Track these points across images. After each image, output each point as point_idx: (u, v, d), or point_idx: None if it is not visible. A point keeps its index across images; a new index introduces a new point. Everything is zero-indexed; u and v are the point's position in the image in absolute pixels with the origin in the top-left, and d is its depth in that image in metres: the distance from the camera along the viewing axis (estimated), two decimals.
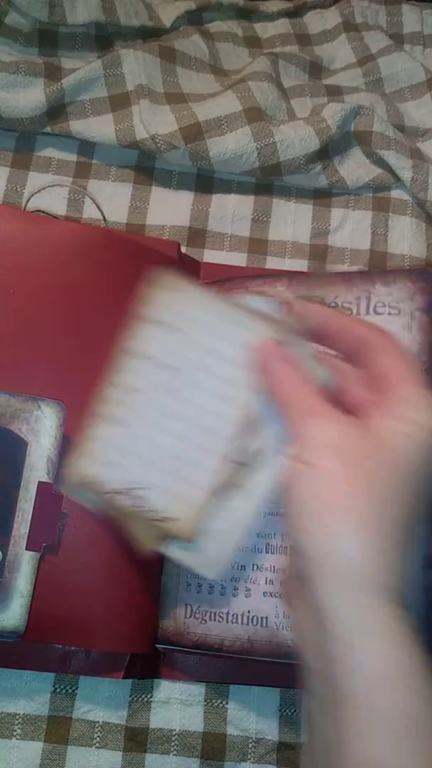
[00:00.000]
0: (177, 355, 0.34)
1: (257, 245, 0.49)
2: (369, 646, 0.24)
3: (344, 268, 0.49)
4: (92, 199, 0.45)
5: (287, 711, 0.39)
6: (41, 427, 0.35)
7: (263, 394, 0.33)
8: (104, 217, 0.44)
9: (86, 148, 0.50)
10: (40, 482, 0.34)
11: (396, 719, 0.24)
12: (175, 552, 0.34)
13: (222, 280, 0.43)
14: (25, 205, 0.41)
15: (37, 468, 0.35)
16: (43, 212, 0.41)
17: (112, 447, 0.34)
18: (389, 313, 0.40)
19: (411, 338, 0.39)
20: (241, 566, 0.37)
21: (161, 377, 0.34)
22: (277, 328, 0.33)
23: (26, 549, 0.34)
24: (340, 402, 0.31)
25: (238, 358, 0.33)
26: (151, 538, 0.34)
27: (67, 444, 0.36)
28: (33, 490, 0.34)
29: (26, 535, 0.34)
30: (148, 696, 0.38)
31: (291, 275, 0.42)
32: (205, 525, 0.33)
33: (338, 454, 0.27)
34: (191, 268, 0.46)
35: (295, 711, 0.39)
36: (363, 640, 0.24)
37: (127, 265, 0.40)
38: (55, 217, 0.41)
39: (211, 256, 0.48)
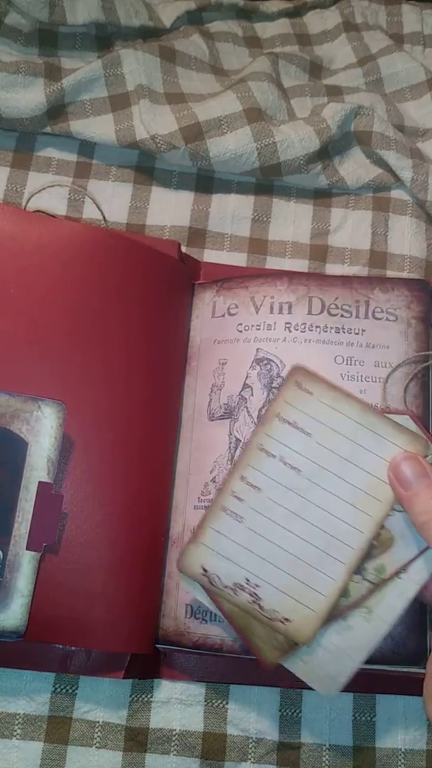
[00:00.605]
0: (307, 458, 0.34)
1: (257, 245, 0.49)
2: None
3: (344, 268, 0.49)
4: (92, 199, 0.45)
5: (287, 711, 0.39)
6: (41, 428, 0.35)
7: (404, 513, 0.32)
8: (104, 218, 0.44)
9: (86, 148, 0.50)
10: (40, 482, 0.34)
11: None
12: (295, 665, 0.33)
13: (222, 279, 0.43)
14: (26, 205, 0.41)
15: (37, 468, 0.35)
16: (43, 212, 0.41)
17: (231, 541, 0.34)
18: (387, 319, 0.41)
19: (407, 345, 0.40)
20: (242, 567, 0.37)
21: (287, 478, 0.34)
22: (418, 443, 0.33)
23: (26, 549, 0.34)
24: None
25: (377, 469, 0.33)
26: (271, 650, 0.33)
27: (67, 444, 0.36)
28: (33, 490, 0.34)
29: (26, 535, 0.34)
30: (149, 696, 0.38)
31: (291, 275, 0.42)
32: (323, 634, 0.33)
33: None
34: (191, 268, 0.46)
35: (295, 711, 0.39)
36: None
37: (128, 265, 0.40)
38: (54, 217, 0.41)
39: (211, 256, 0.48)
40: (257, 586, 0.33)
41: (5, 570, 0.33)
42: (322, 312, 0.41)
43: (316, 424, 0.34)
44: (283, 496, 0.34)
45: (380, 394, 0.38)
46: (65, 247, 0.39)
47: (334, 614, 0.33)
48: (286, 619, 0.33)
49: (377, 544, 0.33)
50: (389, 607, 0.33)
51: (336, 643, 0.33)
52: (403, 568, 0.33)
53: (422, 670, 0.34)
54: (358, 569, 0.33)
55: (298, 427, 0.34)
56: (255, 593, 0.33)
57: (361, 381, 0.39)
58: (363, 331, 0.40)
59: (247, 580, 0.33)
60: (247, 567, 0.33)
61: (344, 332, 0.40)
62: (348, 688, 0.32)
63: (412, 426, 0.34)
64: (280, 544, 0.33)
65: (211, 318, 0.43)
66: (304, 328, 0.41)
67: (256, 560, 0.33)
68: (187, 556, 0.34)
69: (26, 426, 0.35)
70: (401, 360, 0.39)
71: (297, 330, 0.41)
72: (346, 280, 0.42)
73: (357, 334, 0.40)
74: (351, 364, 0.40)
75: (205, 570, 0.34)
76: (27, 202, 0.42)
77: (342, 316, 0.41)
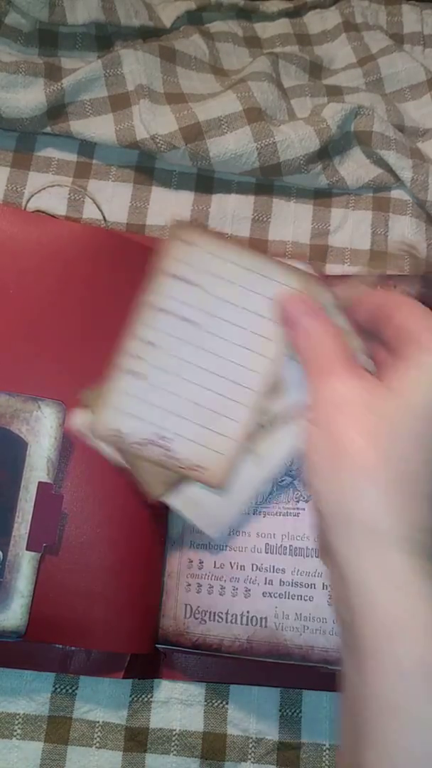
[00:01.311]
0: (198, 309, 0.33)
1: (257, 245, 0.49)
2: (386, 595, 0.25)
3: (344, 268, 0.49)
4: (92, 199, 0.45)
5: (287, 711, 0.39)
6: (41, 428, 0.35)
7: (290, 350, 0.32)
8: (104, 218, 0.44)
9: (86, 148, 0.50)
10: (40, 482, 0.34)
11: (412, 666, 0.24)
12: (178, 502, 0.34)
13: None
14: (26, 205, 0.41)
15: (37, 468, 0.35)
16: (43, 212, 0.41)
17: (136, 399, 0.34)
18: None
19: None
20: (241, 566, 0.37)
21: (181, 331, 0.34)
22: (310, 285, 0.33)
23: (26, 549, 0.34)
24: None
25: (268, 310, 0.33)
26: (159, 484, 0.34)
27: (67, 444, 0.36)
28: (33, 490, 0.34)
29: (26, 535, 0.34)
30: (149, 696, 0.38)
31: None
32: (236, 473, 0.34)
33: (351, 413, 0.27)
34: None
35: (295, 711, 0.39)
36: (380, 590, 0.25)
37: (128, 265, 0.40)
38: (55, 218, 0.41)
39: None
40: (167, 438, 0.34)
41: (5, 570, 0.34)
42: None
43: (203, 275, 0.34)
44: (179, 348, 0.34)
45: None
46: (65, 247, 0.39)
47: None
48: (200, 467, 0.34)
49: (270, 388, 0.34)
50: (277, 451, 0.34)
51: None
52: (291, 414, 0.33)
53: None
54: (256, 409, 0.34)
55: (186, 280, 0.34)
56: (167, 446, 0.34)
57: None
58: None
59: (157, 434, 0.34)
60: (156, 422, 0.34)
61: None
62: None
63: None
64: (183, 395, 0.34)
65: None
66: None
67: (163, 414, 0.34)
68: (99, 421, 0.34)
69: (26, 426, 0.35)
70: None
71: None
72: (345, 280, 0.42)
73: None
74: None
75: (118, 432, 0.34)
76: (27, 202, 0.42)
77: None
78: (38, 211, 0.41)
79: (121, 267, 0.40)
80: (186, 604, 0.38)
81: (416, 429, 0.27)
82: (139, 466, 0.34)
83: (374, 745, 0.23)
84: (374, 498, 0.25)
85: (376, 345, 0.32)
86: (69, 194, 0.49)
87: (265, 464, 0.34)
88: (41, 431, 0.35)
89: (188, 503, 0.34)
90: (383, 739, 0.23)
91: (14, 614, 0.33)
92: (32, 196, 0.42)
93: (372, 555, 0.25)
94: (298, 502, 0.39)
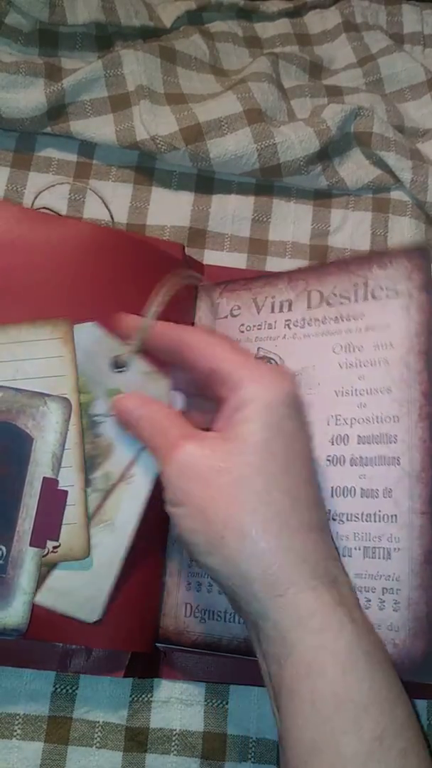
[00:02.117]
0: None
1: (257, 245, 0.49)
2: (302, 642, 0.25)
3: None
4: (101, 197, 0.45)
5: None
6: (47, 423, 0.35)
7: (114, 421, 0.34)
8: (111, 216, 0.44)
9: (86, 148, 0.50)
10: (44, 478, 0.34)
11: (323, 703, 0.25)
12: (53, 601, 0.34)
13: (225, 282, 0.43)
14: (33, 203, 0.41)
15: (42, 464, 0.34)
16: (49, 209, 0.41)
17: None
18: (387, 296, 0.39)
19: (409, 319, 0.38)
20: None
21: None
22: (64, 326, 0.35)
23: (30, 545, 0.34)
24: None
25: (47, 369, 0.35)
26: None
27: None
28: (38, 485, 0.34)
29: (30, 530, 0.34)
30: (149, 696, 0.38)
31: (290, 273, 0.42)
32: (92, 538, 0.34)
33: (203, 482, 0.27)
34: (195, 270, 0.46)
35: None
36: (296, 638, 0.25)
37: (135, 265, 0.39)
38: (60, 216, 0.41)
39: (211, 256, 0.48)
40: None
41: (8, 566, 0.33)
42: (321, 304, 0.40)
43: None
44: None
45: None
46: (73, 246, 0.39)
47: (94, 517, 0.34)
48: (55, 548, 0.34)
49: (97, 453, 0.35)
50: (128, 513, 0.34)
51: (86, 565, 0.34)
52: (130, 472, 0.34)
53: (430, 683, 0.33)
54: (87, 482, 0.34)
55: None
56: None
57: (360, 367, 0.38)
58: (362, 314, 0.39)
59: None
60: None
61: (343, 320, 0.39)
62: None
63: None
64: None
65: (214, 320, 0.43)
66: (304, 323, 0.40)
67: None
68: None
69: (32, 421, 0.35)
70: (402, 336, 0.38)
71: (297, 326, 0.40)
72: (342, 265, 0.41)
73: (356, 319, 0.39)
74: (349, 351, 0.38)
75: None
76: (35, 200, 0.41)
77: (341, 303, 0.40)
78: (44, 208, 0.41)
79: (128, 267, 0.39)
80: (186, 603, 0.38)
81: (266, 469, 0.27)
82: None
83: None
84: (261, 553, 0.26)
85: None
86: (70, 194, 0.49)
87: (119, 530, 0.34)
88: (47, 427, 0.35)
89: (58, 596, 0.34)
90: None
91: (16, 611, 0.33)
92: (39, 194, 0.42)
93: (279, 605, 0.26)
94: None
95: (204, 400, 0.33)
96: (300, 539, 0.27)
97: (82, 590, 0.34)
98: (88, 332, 0.35)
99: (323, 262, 0.48)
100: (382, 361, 0.38)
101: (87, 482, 0.34)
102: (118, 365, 0.35)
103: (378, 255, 0.41)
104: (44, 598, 0.34)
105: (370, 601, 0.34)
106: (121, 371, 0.35)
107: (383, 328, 0.38)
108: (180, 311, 0.42)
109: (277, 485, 0.27)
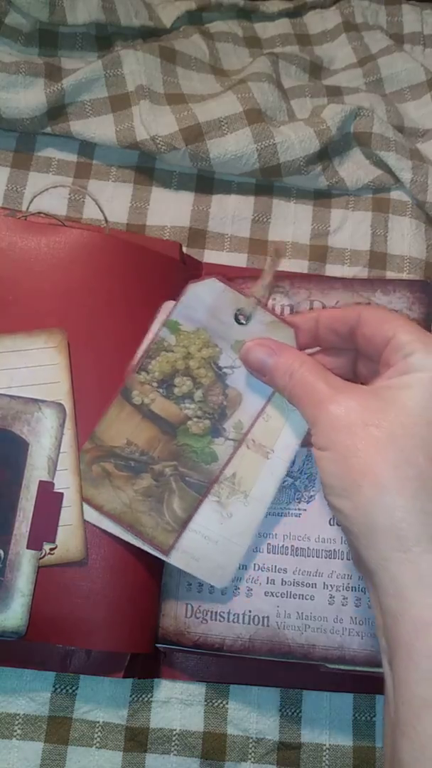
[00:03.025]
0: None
1: (257, 246, 0.49)
2: (419, 597, 0.26)
3: (344, 269, 0.49)
4: (94, 200, 0.45)
5: (287, 711, 0.39)
6: (42, 428, 0.35)
7: (242, 368, 0.35)
8: (105, 218, 0.44)
9: (86, 148, 0.50)
10: (41, 481, 0.35)
11: None
12: (186, 562, 0.35)
13: None
14: (28, 207, 0.41)
15: (38, 467, 0.35)
16: (44, 213, 0.41)
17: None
18: None
19: None
20: (243, 566, 0.38)
21: None
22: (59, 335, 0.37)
23: (27, 548, 0.34)
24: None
25: (46, 376, 0.36)
26: (164, 534, 0.35)
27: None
28: (34, 489, 0.34)
29: (27, 533, 0.34)
30: (149, 696, 0.39)
31: (292, 278, 0.42)
32: (207, 527, 0.35)
33: (353, 434, 0.28)
34: (193, 269, 0.46)
35: (295, 711, 0.39)
36: (413, 592, 0.26)
37: (129, 267, 0.40)
38: (56, 218, 0.41)
39: (211, 256, 0.48)
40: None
41: (6, 569, 0.34)
42: None
43: None
44: None
45: None
46: (67, 253, 0.39)
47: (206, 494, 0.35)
48: (52, 550, 0.35)
49: (227, 404, 0.35)
50: (263, 488, 0.35)
51: (220, 533, 0.35)
52: (270, 447, 0.35)
53: None
54: (218, 432, 0.35)
55: None
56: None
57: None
58: None
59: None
60: None
61: None
62: (349, 688, 0.33)
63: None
64: None
65: None
66: None
67: None
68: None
69: (27, 427, 0.35)
70: None
71: None
72: (347, 283, 0.42)
73: None
74: None
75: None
76: (30, 203, 0.42)
77: None
78: (40, 212, 0.41)
79: (123, 270, 0.40)
80: (187, 604, 0.38)
81: (417, 433, 0.27)
82: (140, 524, 0.35)
83: (409, 737, 0.24)
84: (393, 506, 0.26)
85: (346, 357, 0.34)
86: (69, 194, 0.49)
87: (254, 503, 0.35)
88: (42, 431, 0.35)
89: (188, 559, 0.35)
90: (417, 731, 0.24)
91: (15, 614, 0.33)
92: (35, 197, 0.42)
93: (401, 560, 0.26)
94: (299, 502, 0.39)
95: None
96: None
97: (214, 557, 0.35)
98: (209, 287, 0.35)
99: (327, 275, 0.48)
100: None
101: (218, 431, 0.35)
102: (242, 317, 0.35)
103: (382, 281, 0.43)
104: (176, 560, 0.35)
105: None
106: (244, 324, 0.35)
107: None
108: None
109: (424, 450, 0.27)
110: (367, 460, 0.27)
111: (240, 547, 0.35)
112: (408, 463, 0.27)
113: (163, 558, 0.35)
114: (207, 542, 0.35)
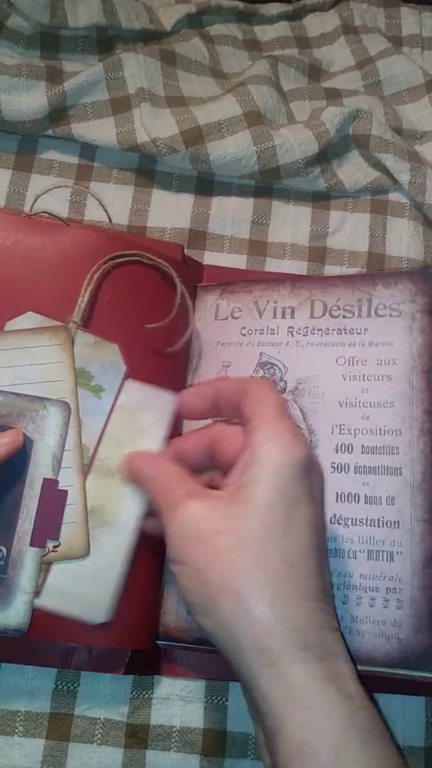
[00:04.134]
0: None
1: (257, 247, 0.49)
2: (293, 719, 0.25)
3: (343, 270, 0.49)
4: (98, 200, 0.45)
5: None
6: (47, 426, 0.35)
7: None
8: (110, 219, 0.45)
9: (87, 150, 0.51)
10: (45, 479, 0.35)
11: None
12: (58, 604, 0.34)
13: (225, 283, 0.44)
14: (32, 208, 0.41)
15: (42, 465, 0.35)
16: (48, 213, 0.42)
17: None
18: (390, 315, 0.40)
19: (412, 340, 0.39)
20: None
21: None
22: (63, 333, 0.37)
23: (30, 545, 0.34)
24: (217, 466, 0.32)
25: (45, 374, 0.36)
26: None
27: None
28: (38, 487, 0.35)
29: (30, 531, 0.34)
30: (149, 692, 0.39)
31: (293, 280, 0.43)
32: (74, 564, 0.34)
33: (203, 543, 0.27)
34: (194, 270, 0.46)
35: None
36: (287, 713, 0.25)
37: (131, 267, 0.40)
38: (60, 219, 0.42)
39: (211, 257, 0.49)
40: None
41: (9, 567, 0.34)
42: (324, 315, 0.41)
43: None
44: None
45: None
46: (72, 251, 0.39)
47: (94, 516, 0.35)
48: (55, 547, 0.34)
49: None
50: (128, 514, 0.35)
51: (89, 566, 0.34)
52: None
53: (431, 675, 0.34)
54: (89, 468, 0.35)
55: None
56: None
57: (363, 380, 0.39)
58: (365, 330, 0.40)
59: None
60: None
61: (346, 333, 0.40)
62: None
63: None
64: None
65: (213, 320, 0.43)
66: (306, 332, 0.41)
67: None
68: None
69: (32, 425, 0.35)
70: (405, 356, 0.39)
71: (299, 334, 0.41)
72: (347, 280, 0.42)
73: (359, 333, 0.40)
74: (352, 365, 0.40)
75: None
76: (33, 203, 0.42)
77: (344, 317, 0.41)
78: (44, 212, 0.42)
79: (125, 270, 0.40)
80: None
81: (267, 534, 0.26)
82: None
83: None
84: (253, 619, 0.25)
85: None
86: (71, 196, 0.49)
87: (120, 531, 0.35)
88: (47, 429, 0.35)
89: (61, 599, 0.34)
90: None
91: (17, 611, 0.34)
92: (38, 197, 0.42)
93: (270, 674, 0.25)
94: None
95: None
96: (294, 607, 0.26)
97: (86, 592, 0.34)
98: (25, 321, 0.36)
99: (328, 275, 0.48)
100: (385, 376, 0.39)
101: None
102: None
103: (382, 275, 0.42)
104: (47, 602, 0.34)
105: (374, 599, 0.35)
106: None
107: (386, 345, 0.40)
108: (180, 311, 0.43)
109: (276, 551, 0.26)
110: (220, 572, 0.26)
111: (113, 577, 0.34)
112: (261, 568, 0.26)
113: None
114: (79, 580, 0.34)
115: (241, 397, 0.31)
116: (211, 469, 0.34)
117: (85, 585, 0.34)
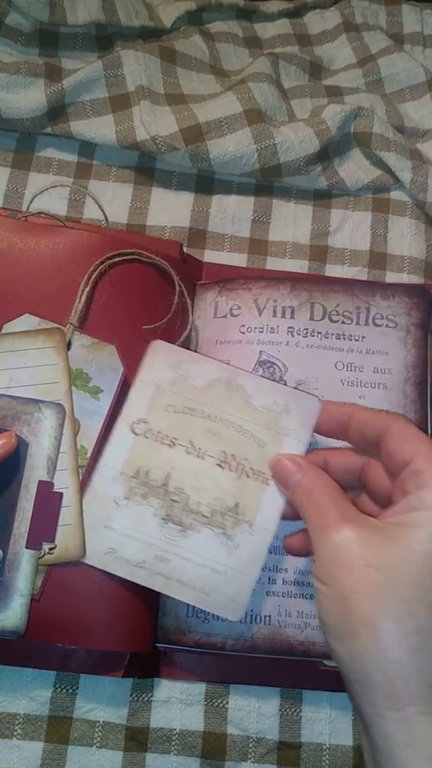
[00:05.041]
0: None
1: (257, 246, 0.49)
2: (407, 760, 0.24)
3: (344, 269, 0.49)
4: (94, 199, 0.45)
5: (287, 711, 0.39)
6: (42, 428, 0.35)
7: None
8: (106, 218, 0.44)
9: (87, 148, 0.50)
10: (40, 481, 0.35)
11: None
12: (198, 598, 0.34)
13: (224, 280, 0.44)
14: (28, 207, 0.41)
15: (37, 467, 0.35)
16: (45, 214, 0.41)
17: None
18: (387, 326, 0.41)
19: (406, 351, 0.41)
20: None
21: None
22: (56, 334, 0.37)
23: (26, 547, 0.34)
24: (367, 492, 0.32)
25: (45, 376, 0.36)
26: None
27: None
28: (33, 489, 0.34)
29: (26, 533, 0.34)
30: (149, 695, 0.39)
31: (293, 280, 0.43)
32: (215, 559, 0.34)
33: (352, 570, 0.26)
34: (193, 268, 0.46)
35: (295, 711, 0.39)
36: (408, 760, 0.24)
37: (130, 267, 0.40)
38: (57, 219, 0.41)
39: (211, 256, 0.48)
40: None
41: (5, 569, 0.34)
42: (323, 318, 0.41)
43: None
44: None
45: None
46: (66, 253, 0.39)
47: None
48: (51, 549, 0.34)
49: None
50: (267, 515, 0.34)
51: (228, 565, 0.34)
52: (269, 474, 0.34)
53: None
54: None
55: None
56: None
57: (360, 387, 0.40)
58: (363, 337, 0.41)
59: None
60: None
61: (345, 339, 0.41)
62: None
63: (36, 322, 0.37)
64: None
65: (213, 318, 0.43)
66: (306, 333, 0.41)
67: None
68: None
69: (27, 427, 0.35)
70: (400, 366, 0.40)
71: (299, 335, 0.41)
72: (347, 286, 0.42)
73: (357, 340, 0.41)
74: (351, 370, 0.40)
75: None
76: (30, 203, 0.42)
77: (343, 322, 0.41)
78: (40, 212, 0.41)
79: (123, 270, 0.40)
80: (188, 603, 0.38)
81: (421, 582, 0.26)
82: None
83: None
84: (390, 661, 0.25)
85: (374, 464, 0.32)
86: (69, 194, 0.49)
87: (260, 532, 0.34)
88: (42, 432, 0.35)
89: (199, 594, 0.34)
90: None
91: (14, 613, 0.33)
92: (35, 197, 0.42)
93: (395, 719, 0.25)
94: None
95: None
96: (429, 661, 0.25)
97: (225, 590, 0.34)
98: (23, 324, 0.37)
99: (327, 276, 0.48)
100: (381, 385, 0.40)
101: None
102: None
103: (381, 285, 0.43)
104: (189, 597, 0.34)
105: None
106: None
107: (382, 354, 0.41)
108: (179, 309, 0.42)
109: (423, 601, 0.25)
110: (366, 606, 0.25)
111: (250, 577, 0.34)
112: (409, 615, 0.25)
113: (166, 593, 0.34)
114: (216, 576, 0.34)
115: (381, 433, 0.30)
116: (356, 489, 0.33)
117: (224, 582, 0.34)
